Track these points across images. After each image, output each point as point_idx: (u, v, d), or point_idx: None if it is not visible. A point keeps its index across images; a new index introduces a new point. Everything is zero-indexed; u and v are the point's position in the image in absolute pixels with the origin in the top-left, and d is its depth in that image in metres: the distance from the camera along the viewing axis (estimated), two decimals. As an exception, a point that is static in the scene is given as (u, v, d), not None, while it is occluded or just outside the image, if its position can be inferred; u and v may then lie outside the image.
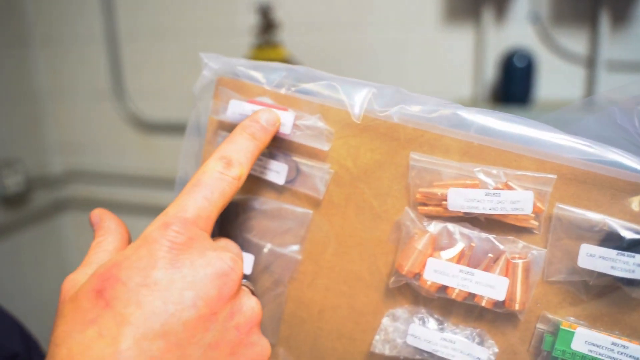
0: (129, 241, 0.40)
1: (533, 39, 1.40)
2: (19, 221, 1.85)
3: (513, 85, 1.34)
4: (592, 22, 1.37)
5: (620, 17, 1.31)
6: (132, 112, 1.92)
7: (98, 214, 0.41)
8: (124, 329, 0.30)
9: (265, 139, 0.39)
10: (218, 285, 0.33)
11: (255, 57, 1.48)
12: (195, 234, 0.34)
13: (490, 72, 1.46)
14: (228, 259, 0.34)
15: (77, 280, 0.34)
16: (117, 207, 2.10)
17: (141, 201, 2.06)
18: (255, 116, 0.40)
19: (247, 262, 0.43)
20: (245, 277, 0.40)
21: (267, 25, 1.55)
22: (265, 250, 0.43)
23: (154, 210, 2.04)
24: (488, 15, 1.40)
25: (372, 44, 1.56)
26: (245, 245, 0.43)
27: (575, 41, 1.37)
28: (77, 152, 2.09)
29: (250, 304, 0.36)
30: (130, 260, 0.33)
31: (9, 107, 1.80)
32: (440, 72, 1.52)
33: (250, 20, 1.60)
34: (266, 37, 1.56)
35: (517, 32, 1.42)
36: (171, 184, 2.16)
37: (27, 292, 1.92)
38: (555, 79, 1.38)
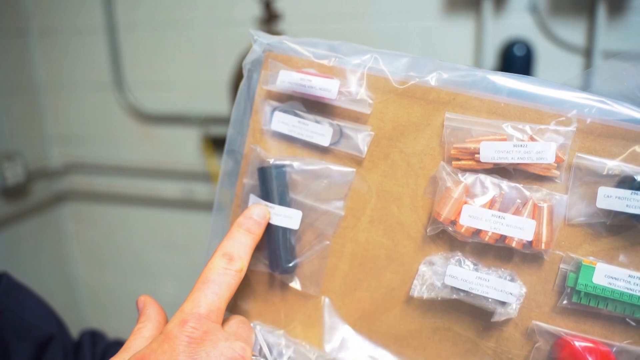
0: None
1: (532, 29, 1.46)
2: (18, 213, 1.85)
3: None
4: (589, 12, 1.43)
5: (617, 7, 1.37)
6: (132, 104, 1.93)
7: (143, 300, 0.47)
8: None
9: (260, 231, 0.45)
10: None
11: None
12: (209, 327, 0.40)
13: (490, 61, 1.51)
14: (239, 348, 0.40)
15: None
16: (117, 199, 2.10)
17: (141, 192, 2.06)
18: (247, 213, 0.46)
19: (295, 218, 0.47)
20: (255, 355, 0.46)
21: (269, 16, 1.57)
22: (311, 207, 0.47)
23: (154, 201, 2.05)
24: (487, 6, 1.44)
25: (373, 33, 1.60)
26: (293, 203, 0.47)
27: (573, 31, 1.43)
28: (76, 143, 2.08)
29: None
30: (156, 354, 0.39)
31: (8, 99, 1.80)
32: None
33: (249, 11, 1.63)
34: (268, 28, 1.58)
35: (516, 22, 1.47)
36: (171, 175, 2.15)
37: (27, 283, 1.91)
38: (554, 68, 1.42)
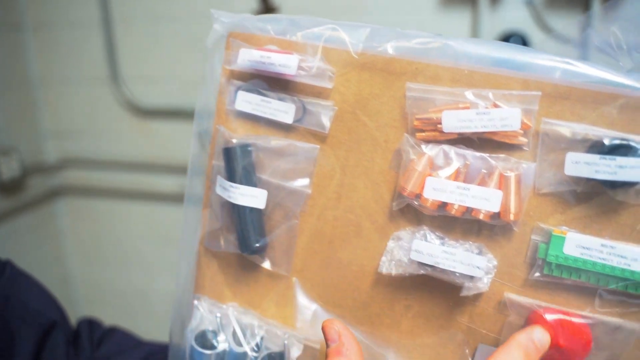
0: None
1: (527, 21, 1.43)
2: (14, 208, 1.85)
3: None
4: (584, 5, 1.40)
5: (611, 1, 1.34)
6: (127, 98, 1.93)
7: (337, 331, 0.40)
8: None
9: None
10: None
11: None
12: None
13: None
14: None
15: None
16: (113, 193, 2.11)
17: (137, 187, 2.07)
18: (531, 333, 0.40)
19: (261, 197, 0.46)
20: None
21: (266, 10, 1.57)
22: (278, 185, 0.47)
23: (150, 196, 2.06)
24: (484, -1, 1.43)
25: None
26: (259, 183, 0.47)
27: (568, 23, 1.39)
28: (71, 138, 2.09)
29: None
30: None
31: (2, 94, 1.79)
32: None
33: (246, 4, 1.63)
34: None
35: (512, 15, 1.45)
36: (168, 169, 2.15)
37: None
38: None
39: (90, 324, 0.72)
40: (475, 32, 1.49)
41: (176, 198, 2.06)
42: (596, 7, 1.33)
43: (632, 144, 0.37)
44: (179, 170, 2.00)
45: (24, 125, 1.94)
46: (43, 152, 2.09)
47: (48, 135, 2.11)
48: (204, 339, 0.50)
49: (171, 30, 1.83)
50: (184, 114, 1.89)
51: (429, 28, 1.60)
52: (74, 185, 2.17)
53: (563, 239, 0.40)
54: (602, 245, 0.39)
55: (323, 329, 0.41)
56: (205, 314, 0.50)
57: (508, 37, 1.38)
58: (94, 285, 2.24)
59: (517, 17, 1.44)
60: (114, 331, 0.72)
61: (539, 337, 0.40)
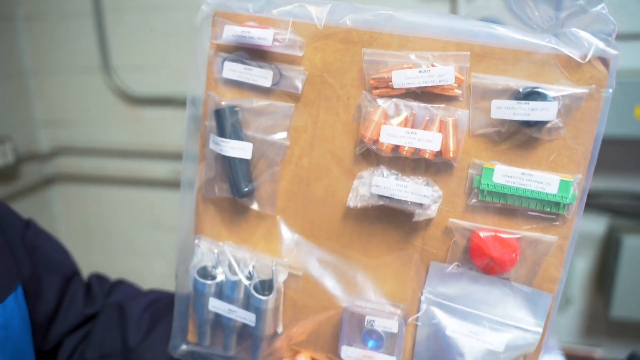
0: None
1: (502, 11, 1.52)
2: (8, 195, 1.89)
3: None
4: None
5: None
6: (119, 87, 1.97)
7: None
8: None
9: None
10: None
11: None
12: None
13: None
14: None
15: None
16: (106, 180, 2.16)
17: (129, 174, 2.12)
18: None
19: (247, 149, 0.55)
20: None
21: None
22: (261, 139, 0.56)
23: (142, 182, 2.13)
24: (461, -10, 1.50)
25: None
26: (245, 138, 0.56)
27: (541, 13, 1.48)
28: (65, 127, 2.12)
29: None
30: None
31: None
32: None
33: None
34: None
35: (488, 4, 1.54)
36: (159, 156, 2.21)
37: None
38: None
39: (99, 278, 0.81)
40: None
41: (167, 184, 2.13)
42: None
43: (541, 90, 0.47)
44: (170, 156, 2.06)
45: (17, 114, 1.98)
46: (36, 141, 2.14)
47: (41, 123, 2.16)
48: (205, 272, 0.59)
49: (161, 19, 1.87)
50: (174, 102, 1.95)
51: None
52: (67, 173, 2.22)
53: (492, 170, 0.49)
54: (523, 173, 0.49)
55: None
56: (204, 251, 0.60)
57: None
58: (87, 270, 2.31)
59: (492, 5, 1.53)
60: (121, 282, 0.82)
61: None
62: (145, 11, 1.91)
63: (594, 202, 1.69)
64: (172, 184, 2.16)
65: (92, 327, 0.72)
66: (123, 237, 2.31)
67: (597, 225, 1.93)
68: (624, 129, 1.45)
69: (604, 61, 0.46)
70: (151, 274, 2.28)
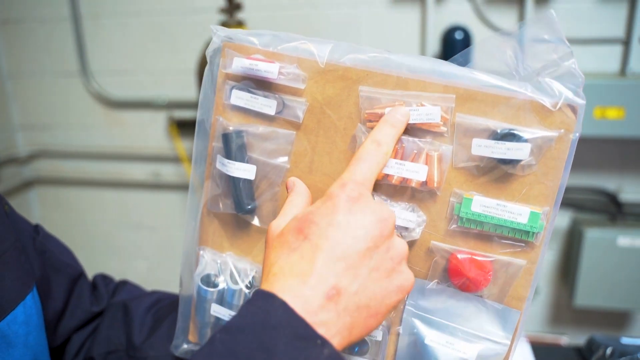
0: (312, 201, 0.57)
1: (470, 16, 1.60)
2: None
3: (453, 56, 1.61)
4: (519, 1, 1.56)
5: (543, -1, 1.49)
6: (97, 90, 1.99)
7: (293, 181, 0.59)
8: (317, 254, 0.46)
9: (402, 127, 0.54)
10: (380, 227, 0.49)
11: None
12: (364, 191, 0.50)
13: (434, 45, 1.65)
14: (387, 211, 0.49)
15: (279, 224, 0.52)
16: (85, 183, 2.19)
17: (109, 176, 2.15)
18: (394, 111, 0.54)
19: (251, 171, 0.61)
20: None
21: (230, 5, 1.66)
22: (264, 162, 0.61)
23: (122, 184, 2.17)
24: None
25: (325, 20, 1.72)
26: (249, 160, 0.61)
27: (506, 17, 1.56)
28: (43, 131, 2.13)
29: (401, 242, 0.51)
30: (320, 209, 0.49)
31: None
32: (389, 45, 1.71)
33: (212, 0, 1.70)
34: (229, 16, 1.67)
35: (456, 9, 1.62)
36: (138, 158, 2.25)
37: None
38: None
39: (104, 277, 0.86)
40: (423, 25, 1.65)
41: (146, 185, 2.16)
42: (530, 4, 1.47)
43: (516, 132, 0.53)
44: (149, 159, 2.09)
45: (-5, 118, 1.95)
46: (15, 145, 2.14)
47: (19, 127, 2.16)
48: (208, 280, 0.65)
49: (139, 24, 1.90)
50: (152, 105, 1.98)
51: (382, 22, 1.74)
52: (47, 176, 2.23)
53: (471, 200, 0.56)
54: (498, 204, 0.55)
55: (286, 184, 0.59)
56: (208, 261, 0.65)
57: (453, 30, 1.55)
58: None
59: (460, 11, 1.61)
60: (125, 283, 0.87)
61: (402, 111, 0.55)
62: (123, 16, 1.93)
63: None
64: (151, 186, 2.19)
65: (98, 324, 0.78)
66: (103, 239, 2.33)
67: (561, 219, 2.02)
68: (585, 129, 1.55)
69: (573, 108, 0.52)
70: (132, 274, 2.32)
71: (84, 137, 2.15)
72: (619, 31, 1.69)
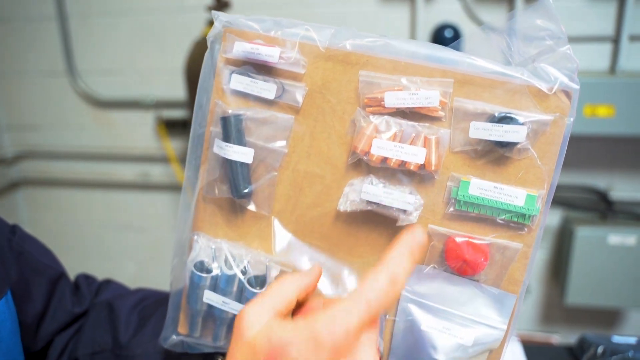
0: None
1: (459, 14, 1.62)
2: None
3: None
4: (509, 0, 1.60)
5: (533, -3, 1.54)
6: (84, 90, 1.97)
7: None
8: None
9: (421, 258, 0.51)
10: None
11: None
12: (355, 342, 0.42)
13: None
14: None
15: (254, 319, 0.44)
16: (73, 184, 2.15)
17: (97, 177, 2.12)
18: (415, 237, 0.46)
19: (249, 154, 0.61)
20: None
21: (218, 4, 1.66)
22: (262, 146, 0.61)
23: (110, 185, 2.13)
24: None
25: (318, 18, 1.74)
26: (247, 144, 0.61)
27: (495, 16, 1.59)
28: (29, 131, 2.10)
29: None
30: (302, 345, 0.40)
31: None
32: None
33: None
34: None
35: (446, 7, 1.64)
36: (126, 158, 2.24)
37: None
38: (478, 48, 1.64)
39: (87, 277, 0.85)
40: (413, 23, 1.67)
41: (135, 186, 2.14)
42: (519, 2, 1.51)
43: (513, 116, 0.54)
44: (137, 159, 2.08)
45: (-19, 119, 1.94)
46: (1, 146, 2.12)
47: (5, 128, 2.14)
48: (201, 266, 0.64)
49: (127, 24, 1.90)
50: (141, 105, 1.97)
51: (372, 20, 1.77)
52: (34, 177, 2.20)
53: (468, 183, 0.56)
54: (495, 187, 0.56)
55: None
56: (202, 246, 0.65)
57: (443, 28, 1.57)
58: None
59: (450, 9, 1.63)
60: (109, 282, 0.85)
61: (419, 234, 0.47)
62: (111, 15, 1.92)
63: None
64: (140, 186, 2.17)
65: (81, 325, 0.76)
66: (92, 240, 2.30)
67: (552, 217, 2.04)
68: (575, 128, 1.60)
69: (567, 94, 0.54)
70: (122, 274, 2.28)
71: (71, 137, 2.13)
72: (609, 29, 1.72)
